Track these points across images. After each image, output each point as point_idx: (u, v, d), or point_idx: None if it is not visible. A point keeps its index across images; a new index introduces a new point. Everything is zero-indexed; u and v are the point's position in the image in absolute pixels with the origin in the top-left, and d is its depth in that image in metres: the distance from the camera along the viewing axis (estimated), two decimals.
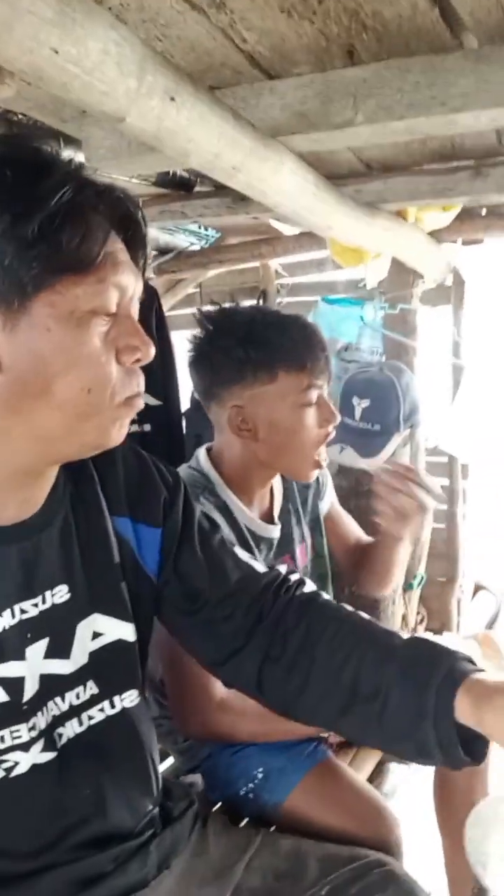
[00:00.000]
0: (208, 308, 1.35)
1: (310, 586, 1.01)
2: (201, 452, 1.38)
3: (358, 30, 1.12)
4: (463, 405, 2.41)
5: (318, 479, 1.58)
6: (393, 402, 2.10)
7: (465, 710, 0.79)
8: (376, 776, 1.74)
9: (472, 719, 0.78)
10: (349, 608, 0.97)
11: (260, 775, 1.32)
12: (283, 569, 1.01)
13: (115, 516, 0.91)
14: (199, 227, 2.65)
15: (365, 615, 0.95)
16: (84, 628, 0.86)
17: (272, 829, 1.21)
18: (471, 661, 0.84)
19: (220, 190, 1.89)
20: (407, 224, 1.98)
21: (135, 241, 0.78)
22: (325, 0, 1.03)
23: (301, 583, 1.00)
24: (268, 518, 1.43)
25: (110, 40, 0.81)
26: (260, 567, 1.00)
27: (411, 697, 0.82)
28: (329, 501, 1.63)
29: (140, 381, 0.78)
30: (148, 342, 0.77)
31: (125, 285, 0.75)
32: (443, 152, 1.70)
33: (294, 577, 1.01)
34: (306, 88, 1.26)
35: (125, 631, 0.90)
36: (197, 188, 2.02)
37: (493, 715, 0.76)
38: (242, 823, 1.25)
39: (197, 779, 1.31)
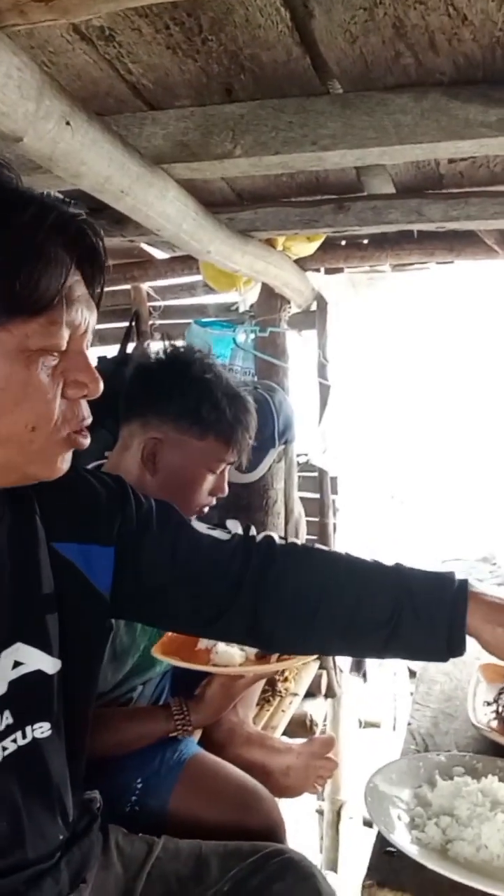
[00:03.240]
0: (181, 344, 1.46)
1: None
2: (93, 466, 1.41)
3: (237, 70, 1.21)
4: (330, 422, 2.56)
5: None
6: (268, 419, 2.18)
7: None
8: None
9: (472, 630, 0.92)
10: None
11: (140, 785, 1.33)
12: (238, 529, 1.07)
13: (58, 542, 0.90)
14: None
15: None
16: (6, 657, 0.85)
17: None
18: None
19: (97, 213, 1.91)
20: (276, 252, 2.10)
21: (93, 272, 0.78)
22: (209, 41, 1.11)
23: (269, 536, 1.06)
24: None
25: (13, 65, 0.84)
26: (222, 535, 1.05)
27: (432, 610, 0.93)
28: None
29: (85, 415, 0.79)
30: (97, 378, 0.77)
31: (78, 323, 0.75)
32: (308, 186, 1.83)
33: (253, 531, 1.07)
34: (187, 120, 1.33)
35: (46, 663, 0.89)
36: (71, 210, 2.03)
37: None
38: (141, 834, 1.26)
39: (96, 794, 1.31)
